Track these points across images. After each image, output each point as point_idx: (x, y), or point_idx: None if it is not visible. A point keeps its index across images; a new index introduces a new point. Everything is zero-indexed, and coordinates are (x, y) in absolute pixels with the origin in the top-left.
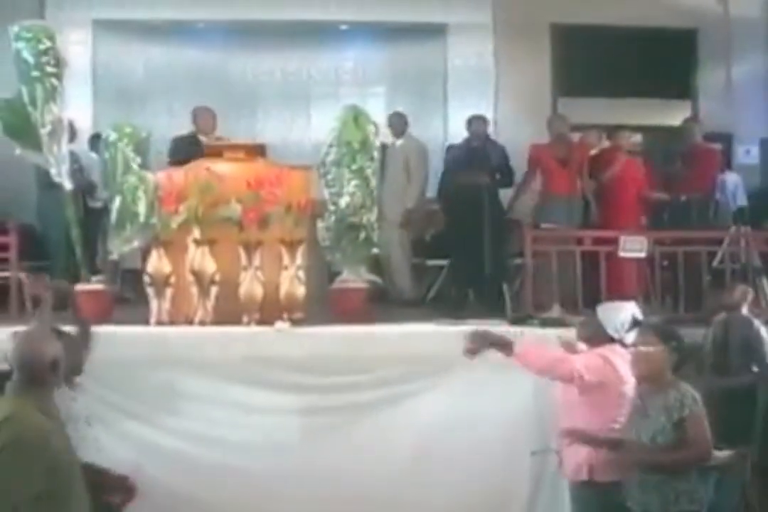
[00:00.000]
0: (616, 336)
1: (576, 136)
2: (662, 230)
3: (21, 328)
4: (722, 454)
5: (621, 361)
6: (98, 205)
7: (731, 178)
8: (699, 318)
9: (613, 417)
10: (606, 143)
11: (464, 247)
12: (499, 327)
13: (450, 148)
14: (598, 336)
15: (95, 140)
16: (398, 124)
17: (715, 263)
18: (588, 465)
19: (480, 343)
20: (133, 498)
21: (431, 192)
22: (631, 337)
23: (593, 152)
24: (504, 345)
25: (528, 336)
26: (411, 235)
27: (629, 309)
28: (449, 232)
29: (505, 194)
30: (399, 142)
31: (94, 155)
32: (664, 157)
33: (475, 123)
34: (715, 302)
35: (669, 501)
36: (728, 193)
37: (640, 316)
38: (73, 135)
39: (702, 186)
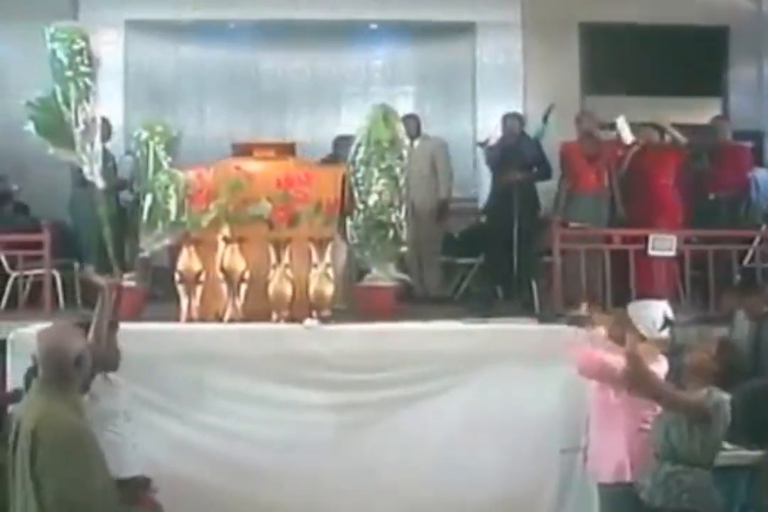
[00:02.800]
0: (647, 335)
1: (604, 134)
2: (692, 229)
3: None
4: (754, 455)
5: (653, 361)
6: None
7: (762, 176)
8: (726, 317)
9: (644, 418)
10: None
11: (495, 246)
12: (527, 326)
13: (488, 150)
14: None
15: None
16: (412, 125)
17: (745, 262)
18: (630, 466)
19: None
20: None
21: (460, 190)
22: (663, 336)
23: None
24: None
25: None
26: (442, 232)
27: (661, 308)
28: (480, 231)
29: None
30: (417, 142)
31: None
32: (692, 155)
33: (510, 120)
34: (740, 302)
35: (671, 496)
36: (759, 191)
37: (671, 315)
38: (108, 133)
39: (732, 184)
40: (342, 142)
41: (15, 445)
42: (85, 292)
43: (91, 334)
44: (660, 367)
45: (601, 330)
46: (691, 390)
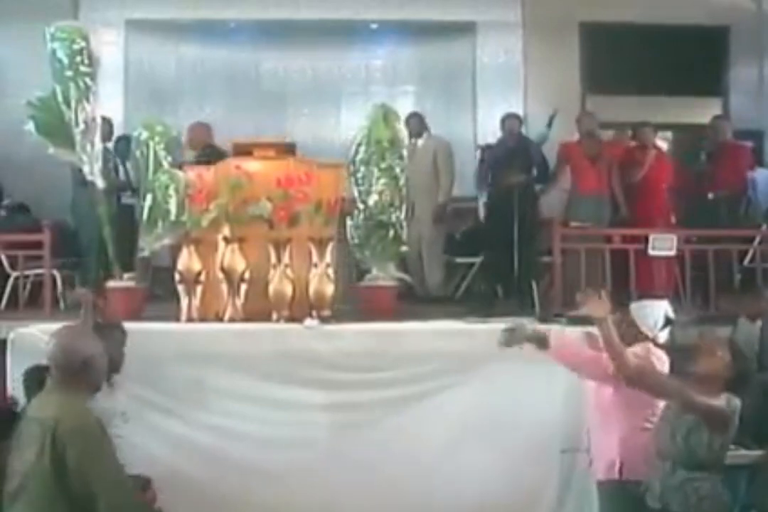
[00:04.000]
0: (649, 334)
1: (606, 134)
2: (692, 228)
3: (55, 325)
4: (753, 454)
5: (654, 360)
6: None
7: (762, 176)
8: (726, 318)
9: (646, 416)
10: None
11: (495, 245)
12: (528, 325)
13: (487, 148)
14: (630, 335)
15: (121, 142)
16: (416, 124)
17: (745, 262)
18: (620, 463)
19: (515, 337)
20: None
21: (461, 190)
22: (663, 336)
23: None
24: (539, 340)
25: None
26: (443, 232)
27: (662, 308)
28: (481, 230)
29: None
30: (420, 141)
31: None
32: (691, 154)
33: (509, 121)
34: (741, 306)
35: (691, 503)
36: (759, 190)
37: (672, 315)
38: (110, 133)
39: (732, 184)
40: None
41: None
42: None
43: None
44: (662, 367)
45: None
46: (705, 396)
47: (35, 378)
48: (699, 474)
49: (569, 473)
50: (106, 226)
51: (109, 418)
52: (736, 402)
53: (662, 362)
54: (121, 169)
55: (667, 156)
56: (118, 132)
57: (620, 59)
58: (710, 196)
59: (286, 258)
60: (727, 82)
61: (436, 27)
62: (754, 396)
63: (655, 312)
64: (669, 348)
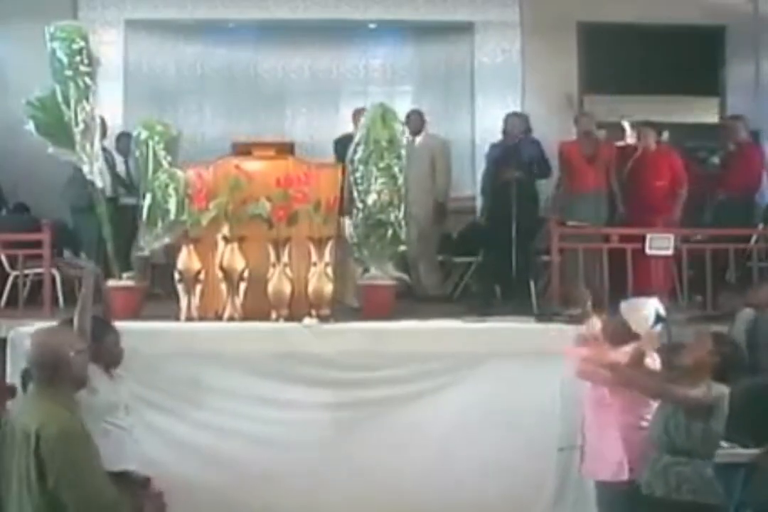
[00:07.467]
0: (640, 332)
1: (602, 133)
2: (692, 228)
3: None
4: (750, 453)
5: (648, 359)
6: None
7: None
8: (726, 315)
9: (641, 415)
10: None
11: (494, 244)
12: (525, 325)
13: (491, 147)
14: (622, 334)
15: (122, 139)
16: (416, 121)
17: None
18: (629, 465)
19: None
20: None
21: (459, 190)
22: (654, 333)
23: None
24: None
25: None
26: (439, 231)
27: (652, 306)
28: (479, 229)
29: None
30: (419, 139)
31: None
32: (704, 154)
33: (511, 120)
34: (742, 300)
35: (671, 487)
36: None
37: (663, 312)
38: (104, 132)
39: (744, 185)
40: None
41: (11, 449)
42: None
43: (76, 317)
44: (653, 365)
45: (595, 326)
46: (690, 385)
47: (27, 378)
48: (682, 459)
49: (567, 470)
50: (105, 226)
51: (112, 411)
52: (720, 389)
53: (654, 360)
54: (123, 166)
55: (672, 153)
56: (117, 132)
57: (618, 59)
58: (722, 196)
59: (285, 258)
60: (724, 82)
61: (435, 27)
62: (752, 396)
63: (644, 310)
64: (661, 346)
